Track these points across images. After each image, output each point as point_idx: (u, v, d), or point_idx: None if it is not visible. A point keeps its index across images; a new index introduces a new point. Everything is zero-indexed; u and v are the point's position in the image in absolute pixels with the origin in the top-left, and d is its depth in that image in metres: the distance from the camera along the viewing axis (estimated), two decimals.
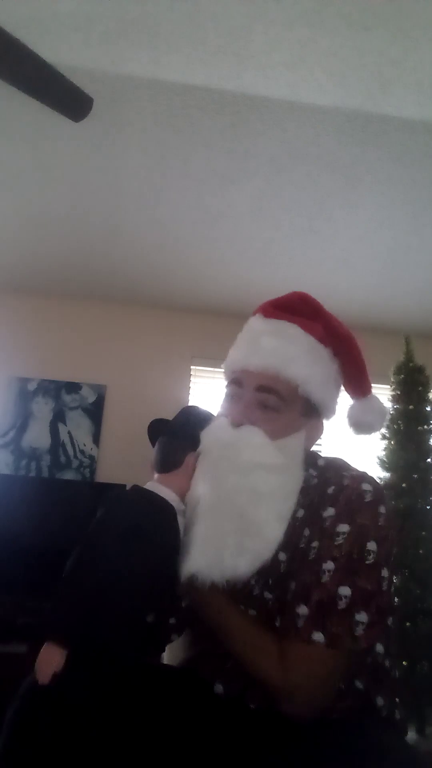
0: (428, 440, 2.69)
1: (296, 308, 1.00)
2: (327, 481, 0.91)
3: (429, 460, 2.65)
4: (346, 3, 1.49)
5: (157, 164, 2.18)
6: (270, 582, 0.87)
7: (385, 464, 2.68)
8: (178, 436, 1.32)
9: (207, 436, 0.94)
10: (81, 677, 0.77)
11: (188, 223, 2.55)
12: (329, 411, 0.98)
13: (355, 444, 3.02)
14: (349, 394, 1.04)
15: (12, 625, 2.40)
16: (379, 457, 2.72)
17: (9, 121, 1.98)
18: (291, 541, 0.87)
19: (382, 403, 1.03)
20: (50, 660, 0.77)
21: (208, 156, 2.12)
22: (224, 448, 0.91)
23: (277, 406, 0.91)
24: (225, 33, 1.60)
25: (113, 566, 0.82)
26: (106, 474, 3.04)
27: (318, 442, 1.01)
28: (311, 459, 0.98)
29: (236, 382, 0.97)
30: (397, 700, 0.90)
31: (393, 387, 2.80)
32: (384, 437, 2.74)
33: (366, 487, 0.88)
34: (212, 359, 3.23)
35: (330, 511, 0.86)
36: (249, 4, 1.51)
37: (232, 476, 0.88)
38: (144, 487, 1.09)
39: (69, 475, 3.05)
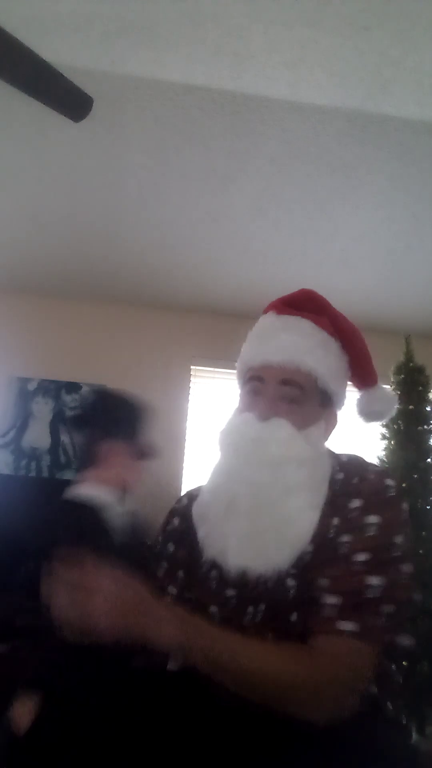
0: (428, 440, 2.69)
1: (305, 304, 1.03)
2: (351, 474, 0.93)
3: (429, 460, 2.65)
4: (346, 3, 1.49)
5: (157, 164, 2.18)
6: (293, 571, 0.87)
7: (385, 464, 2.68)
8: (87, 426, 1.31)
9: (235, 432, 0.97)
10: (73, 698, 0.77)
11: (188, 223, 2.55)
12: (341, 402, 1.02)
13: (355, 444, 3.03)
14: (356, 385, 1.07)
15: (12, 626, 2.40)
16: (379, 457, 2.72)
17: (9, 121, 1.98)
18: (318, 532, 0.88)
19: (389, 391, 1.07)
20: (22, 714, 0.78)
21: (208, 156, 2.12)
22: (254, 443, 0.92)
23: (300, 398, 0.94)
24: (225, 33, 1.60)
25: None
26: None
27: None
28: (332, 454, 1.01)
29: (257, 378, 0.98)
30: (399, 701, 0.90)
31: (393, 387, 2.80)
32: (384, 437, 2.74)
33: (389, 482, 0.92)
34: (212, 359, 3.23)
35: (356, 503, 0.88)
36: (249, 4, 1.51)
37: (265, 470, 0.90)
38: (66, 496, 1.10)
39: (69, 475, 3.04)
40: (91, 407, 1.37)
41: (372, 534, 0.85)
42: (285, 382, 0.94)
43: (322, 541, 0.87)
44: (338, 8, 1.51)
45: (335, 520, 0.88)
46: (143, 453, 1.40)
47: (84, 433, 1.32)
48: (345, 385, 1.02)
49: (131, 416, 1.39)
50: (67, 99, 1.59)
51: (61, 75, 1.51)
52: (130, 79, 1.77)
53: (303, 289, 1.05)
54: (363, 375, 1.04)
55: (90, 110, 1.65)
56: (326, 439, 1.00)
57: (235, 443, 0.95)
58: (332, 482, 0.94)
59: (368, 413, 1.05)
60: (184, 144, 2.06)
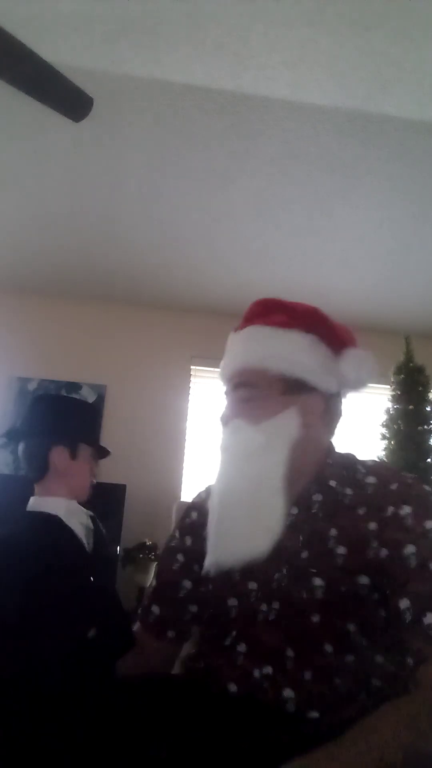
0: (428, 440, 2.69)
1: (258, 312, 1.06)
2: (386, 479, 0.92)
3: (429, 460, 2.65)
4: (346, 3, 1.49)
5: (157, 164, 2.18)
6: (314, 570, 0.87)
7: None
8: (30, 434, 1.27)
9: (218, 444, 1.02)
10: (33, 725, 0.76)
11: (188, 222, 2.55)
12: (324, 382, 0.99)
13: (355, 444, 3.03)
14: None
15: None
16: (379, 457, 2.72)
17: (9, 121, 1.98)
18: (352, 535, 0.87)
19: (359, 352, 1.02)
20: None
21: (208, 156, 2.12)
22: (221, 449, 0.99)
23: (253, 395, 0.97)
24: (225, 33, 1.60)
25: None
26: (105, 474, 3.03)
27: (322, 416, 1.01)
28: (353, 458, 1.00)
29: (225, 393, 1.05)
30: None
31: (393, 387, 2.80)
32: (384, 437, 2.74)
33: (428, 488, 0.91)
34: (212, 359, 3.22)
35: (406, 509, 0.87)
36: (249, 4, 1.51)
37: (231, 469, 0.95)
38: (29, 509, 1.11)
39: None
40: (29, 415, 1.34)
41: None
42: (238, 386, 0.99)
43: (361, 545, 0.86)
44: (338, 8, 1.51)
45: (372, 525, 0.87)
46: (94, 454, 1.38)
47: (27, 444, 1.28)
48: (326, 366, 0.99)
49: (74, 418, 1.37)
50: (67, 99, 1.59)
51: (62, 75, 1.51)
52: (130, 79, 1.77)
53: (256, 300, 1.08)
54: (334, 347, 1.01)
55: (90, 110, 1.65)
56: (311, 423, 0.97)
57: (216, 454, 1.01)
58: (362, 485, 0.93)
59: (346, 382, 1.01)
60: (184, 144, 2.06)
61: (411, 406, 2.72)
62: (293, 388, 0.97)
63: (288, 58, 1.67)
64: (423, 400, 2.74)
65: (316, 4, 1.50)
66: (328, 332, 1.00)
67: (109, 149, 2.11)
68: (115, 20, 1.58)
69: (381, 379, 3.05)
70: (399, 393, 2.76)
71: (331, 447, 1.02)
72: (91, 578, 1.06)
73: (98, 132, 2.01)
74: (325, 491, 0.93)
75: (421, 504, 0.87)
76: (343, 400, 1.05)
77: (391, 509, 0.87)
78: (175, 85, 1.79)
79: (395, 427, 2.71)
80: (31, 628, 0.86)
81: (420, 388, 2.76)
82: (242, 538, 0.88)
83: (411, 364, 2.80)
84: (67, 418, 1.33)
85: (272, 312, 1.03)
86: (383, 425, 2.76)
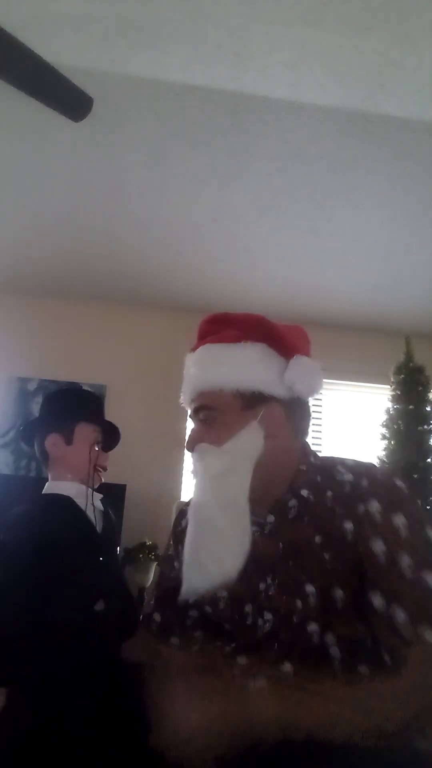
0: (428, 440, 2.69)
1: (209, 330, 1.07)
2: (359, 476, 0.93)
3: (429, 460, 2.65)
4: (346, 3, 1.49)
5: (157, 164, 2.18)
6: (309, 577, 0.88)
7: (385, 464, 2.68)
8: (35, 427, 1.34)
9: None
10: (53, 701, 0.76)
11: (188, 222, 2.55)
12: (280, 390, 0.99)
13: (355, 444, 3.03)
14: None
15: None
16: (379, 457, 2.72)
17: (9, 121, 1.98)
18: (334, 539, 0.88)
19: (307, 361, 1.02)
20: None
21: (208, 156, 2.12)
22: (192, 474, 1.00)
23: (212, 417, 0.99)
24: (225, 33, 1.60)
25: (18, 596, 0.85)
26: (105, 474, 3.03)
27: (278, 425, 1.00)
28: (332, 460, 1.00)
29: (189, 416, 1.06)
30: None
31: (393, 387, 2.80)
32: (384, 437, 2.74)
33: (399, 483, 0.92)
34: None
35: (375, 505, 0.88)
36: (249, 4, 1.51)
37: (200, 494, 0.96)
38: (43, 492, 1.15)
39: None
40: (41, 407, 1.40)
41: (405, 534, 0.84)
42: (196, 411, 1.01)
43: (344, 547, 0.87)
44: (338, 8, 1.51)
45: (348, 525, 0.88)
46: (94, 435, 1.40)
47: (34, 436, 1.33)
48: (279, 373, 0.99)
49: (64, 405, 1.41)
50: (67, 99, 1.59)
51: (61, 75, 1.51)
52: (130, 79, 1.77)
53: (206, 317, 1.09)
54: (285, 354, 1.01)
55: (90, 110, 1.65)
56: (274, 433, 0.97)
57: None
58: (341, 485, 0.93)
59: (295, 390, 1.01)
60: (184, 144, 2.06)
61: (411, 406, 2.72)
62: (251, 401, 0.98)
63: (288, 58, 1.67)
64: (423, 400, 2.74)
65: (316, 4, 1.50)
66: (276, 339, 1.01)
67: (109, 149, 2.11)
68: (115, 20, 1.58)
69: (381, 379, 3.06)
70: (399, 393, 2.76)
71: (305, 451, 1.01)
72: (100, 557, 1.07)
73: (98, 132, 2.01)
74: (299, 498, 0.94)
75: (388, 499, 0.88)
76: (307, 402, 1.04)
77: (362, 507, 0.88)
78: (176, 85, 1.79)
79: (395, 427, 2.71)
80: (41, 599, 0.87)
81: (420, 388, 2.76)
82: (211, 563, 0.88)
83: (411, 364, 2.80)
84: (57, 406, 1.38)
85: (223, 327, 1.05)
86: (383, 425, 2.76)
